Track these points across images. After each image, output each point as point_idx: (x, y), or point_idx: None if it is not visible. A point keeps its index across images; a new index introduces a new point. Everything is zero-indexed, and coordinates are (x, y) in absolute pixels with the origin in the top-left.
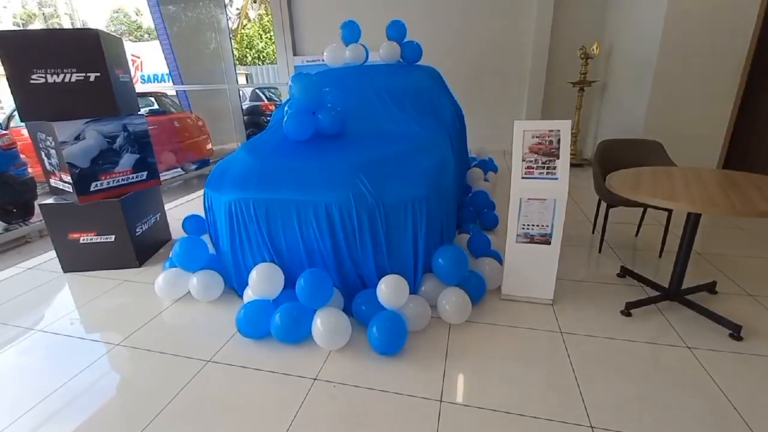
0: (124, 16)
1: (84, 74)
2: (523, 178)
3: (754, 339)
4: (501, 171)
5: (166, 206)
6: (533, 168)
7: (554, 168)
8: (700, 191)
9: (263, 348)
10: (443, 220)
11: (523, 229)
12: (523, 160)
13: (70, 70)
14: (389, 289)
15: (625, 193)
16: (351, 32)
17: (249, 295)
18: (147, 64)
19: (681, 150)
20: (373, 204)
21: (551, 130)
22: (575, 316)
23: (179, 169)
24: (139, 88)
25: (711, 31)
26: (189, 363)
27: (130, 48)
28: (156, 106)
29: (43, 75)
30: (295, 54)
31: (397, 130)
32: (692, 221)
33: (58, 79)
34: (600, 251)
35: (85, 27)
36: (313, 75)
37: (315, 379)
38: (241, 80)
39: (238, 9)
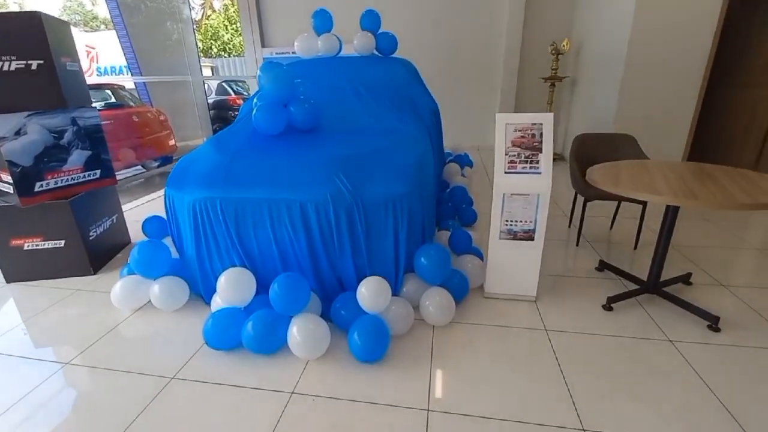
0: (78, 5)
1: (24, 62)
2: (506, 173)
3: (731, 329)
4: (476, 166)
5: (125, 207)
6: (516, 162)
7: (537, 162)
8: (679, 184)
9: (234, 360)
10: (424, 218)
11: (506, 225)
12: (506, 154)
13: (9, 58)
14: (370, 293)
15: (607, 187)
16: (323, 22)
17: (217, 302)
18: (103, 56)
19: (649, 144)
20: (351, 202)
21: (534, 124)
22: (559, 313)
23: (140, 167)
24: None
25: (677, 27)
26: (150, 381)
27: (84, 39)
28: (113, 100)
29: None
30: (263, 46)
31: (374, 125)
32: (671, 214)
33: None
34: (578, 245)
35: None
36: (284, 65)
37: (292, 392)
38: (207, 73)
39: None
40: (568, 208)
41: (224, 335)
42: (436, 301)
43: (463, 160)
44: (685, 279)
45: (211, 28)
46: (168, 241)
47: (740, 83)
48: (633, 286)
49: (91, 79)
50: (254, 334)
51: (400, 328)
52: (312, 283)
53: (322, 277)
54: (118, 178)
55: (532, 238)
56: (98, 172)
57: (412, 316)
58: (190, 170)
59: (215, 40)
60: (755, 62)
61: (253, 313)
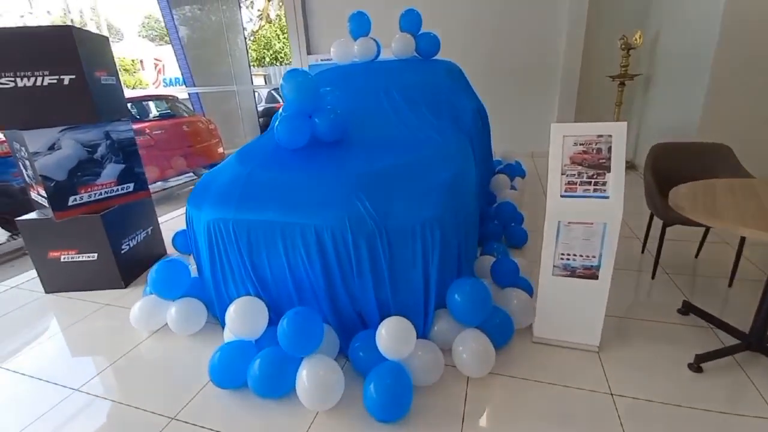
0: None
1: (57, 77)
2: (562, 196)
3: None
4: (529, 176)
5: (172, 214)
6: (576, 184)
7: (604, 184)
8: None
9: (239, 402)
10: (461, 245)
11: (562, 259)
12: (563, 174)
13: (42, 73)
14: (391, 337)
15: (699, 217)
16: (360, 25)
17: (228, 334)
18: (169, 68)
19: (743, 157)
20: (373, 228)
21: (600, 136)
22: (629, 371)
23: (191, 174)
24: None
25: None
26: (151, 419)
27: (153, 52)
28: (167, 110)
29: (12, 78)
30: (309, 53)
31: (408, 135)
32: None
33: (29, 83)
34: (653, 277)
35: (62, 24)
36: (309, 72)
37: None
38: (259, 81)
39: (259, 10)
40: (640, 228)
41: (231, 372)
42: (471, 348)
43: (514, 170)
44: None
45: (264, 38)
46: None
47: None
48: (729, 339)
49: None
50: (260, 375)
51: (427, 377)
52: (329, 316)
53: (340, 311)
54: (171, 185)
55: (595, 277)
56: (131, 185)
57: (441, 365)
58: (210, 187)
59: (268, 50)
60: None
61: (264, 348)
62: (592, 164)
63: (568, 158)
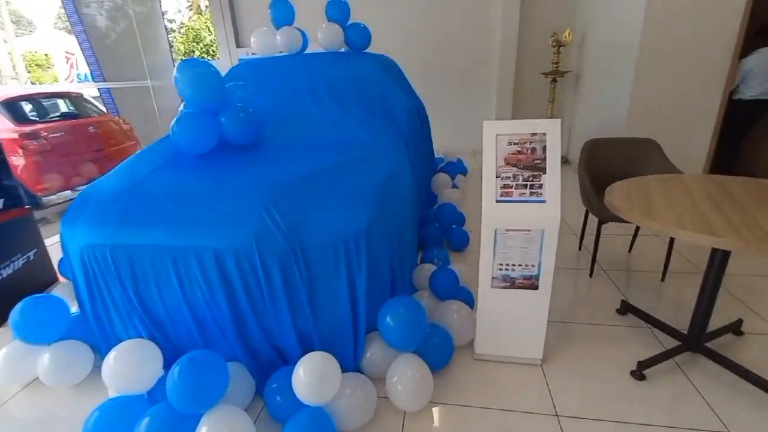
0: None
1: None
2: (498, 201)
3: None
4: (472, 173)
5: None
6: (511, 187)
7: (540, 186)
8: (742, 217)
9: None
10: (395, 257)
11: (501, 269)
12: (498, 176)
13: None
14: (311, 378)
15: (638, 219)
16: (282, 13)
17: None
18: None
19: (668, 146)
20: (286, 248)
21: (534, 134)
22: (574, 384)
23: None
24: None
25: (700, 11)
26: None
27: (66, 44)
28: (69, 109)
29: None
30: (238, 45)
31: (334, 136)
32: (720, 256)
33: None
34: (591, 275)
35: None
36: (210, 63)
37: None
38: None
39: (189, 0)
40: (576, 224)
41: None
42: (406, 378)
43: (456, 168)
44: (736, 327)
45: (192, 30)
46: None
47: None
48: (668, 339)
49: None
50: None
51: (357, 419)
52: (240, 354)
53: (253, 347)
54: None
55: (535, 287)
56: (0, 202)
57: (373, 403)
58: (88, 202)
59: (197, 43)
60: None
61: (158, 402)
62: (527, 165)
63: (502, 159)
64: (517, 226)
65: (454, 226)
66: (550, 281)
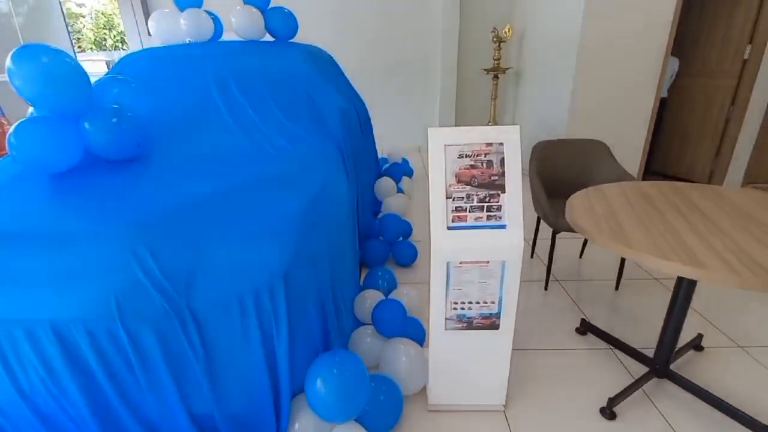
0: None
1: None
2: (450, 228)
3: None
4: (417, 173)
5: None
6: (465, 210)
7: (499, 209)
8: (723, 241)
9: None
10: (327, 295)
11: (455, 309)
12: (449, 197)
13: None
14: None
15: (614, 247)
16: None
17: None
18: None
19: (608, 141)
20: (166, 309)
21: (489, 144)
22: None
23: None
24: None
25: (635, 8)
26: None
27: None
28: None
29: None
30: (150, 33)
31: (247, 145)
32: (686, 284)
33: None
34: (546, 288)
35: None
36: (60, 50)
37: None
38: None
39: None
40: (527, 230)
41: None
42: None
43: (401, 170)
44: (696, 343)
45: (103, 16)
46: None
47: (697, 72)
48: (629, 361)
49: None
50: None
51: None
52: None
53: None
54: None
55: (496, 326)
56: None
57: None
58: None
59: (109, 30)
60: (709, 51)
61: None
62: (483, 183)
63: (453, 176)
64: (474, 257)
65: (400, 238)
66: (512, 319)
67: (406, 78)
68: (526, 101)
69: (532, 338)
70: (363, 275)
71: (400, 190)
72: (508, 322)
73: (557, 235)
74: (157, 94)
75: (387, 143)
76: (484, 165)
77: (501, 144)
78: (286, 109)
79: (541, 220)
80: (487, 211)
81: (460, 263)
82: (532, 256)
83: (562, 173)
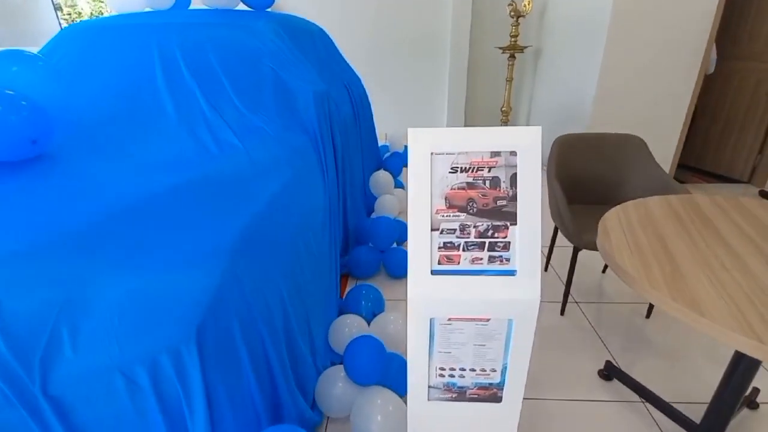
0: None
1: None
2: (435, 272)
3: None
4: None
5: None
6: (457, 248)
7: (506, 246)
8: None
9: None
10: (278, 345)
11: (442, 375)
12: (435, 229)
13: None
14: None
15: (675, 311)
16: None
17: None
18: None
19: (640, 132)
20: (8, 397)
21: (497, 154)
22: None
23: None
24: None
25: None
26: None
27: None
28: None
29: None
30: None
31: (186, 144)
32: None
33: None
34: (563, 313)
35: None
36: None
37: None
38: None
39: None
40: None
41: None
42: None
43: (401, 160)
44: (751, 399)
45: None
46: None
47: (742, 54)
48: (667, 422)
49: None
50: None
51: None
52: None
53: None
54: None
55: (497, 399)
56: None
57: None
58: None
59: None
60: (759, 28)
61: None
62: (484, 210)
63: (442, 198)
64: (468, 313)
65: (394, 244)
66: (520, 390)
67: (412, 57)
68: (545, 85)
69: (544, 382)
70: (347, 289)
71: (399, 185)
72: (514, 393)
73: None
74: (85, 75)
75: (389, 129)
76: (488, 184)
77: (513, 153)
78: (246, 95)
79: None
80: (489, 250)
81: (449, 320)
82: (546, 269)
83: (588, 175)
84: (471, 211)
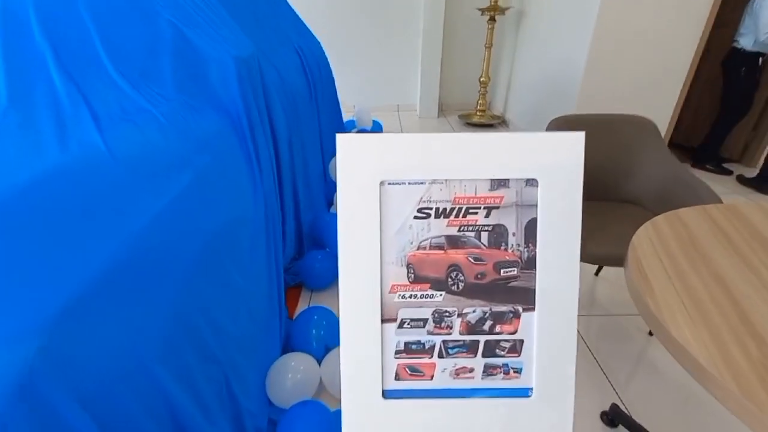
0: None
1: None
2: (388, 396)
3: None
4: None
5: None
6: (428, 353)
7: (514, 348)
8: None
9: None
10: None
11: None
12: (390, 321)
13: None
14: None
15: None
16: None
17: None
18: None
19: (632, 105)
20: None
21: (501, 183)
22: None
23: None
24: None
25: None
26: None
27: None
28: None
29: None
30: None
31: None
32: None
33: None
34: None
35: None
36: None
37: None
38: None
39: None
40: None
41: None
42: None
43: None
44: None
45: None
46: None
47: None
48: None
49: None
50: None
51: None
52: None
53: None
54: None
55: None
56: None
57: None
58: None
59: None
60: None
61: None
62: (477, 286)
63: (400, 264)
64: None
65: None
66: None
67: (381, 19)
68: (528, 51)
69: None
70: (299, 305)
71: None
72: None
73: None
74: None
75: (356, 101)
76: (485, 239)
77: (532, 183)
78: (128, 62)
79: None
80: (486, 356)
81: None
82: None
83: (588, 165)
84: (454, 287)
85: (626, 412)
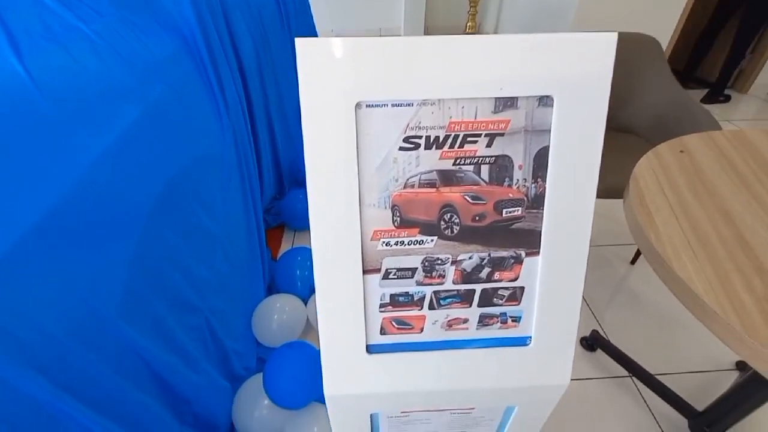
0: None
1: None
2: (373, 351)
3: None
4: None
5: None
6: (416, 305)
7: (514, 296)
8: None
9: None
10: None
11: None
12: (373, 272)
13: None
14: None
15: None
16: None
17: None
18: None
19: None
20: None
21: (505, 104)
22: None
23: None
24: None
25: None
26: None
27: None
28: None
29: None
30: None
31: None
32: None
33: None
34: None
35: None
36: None
37: None
38: None
39: None
40: None
41: None
42: None
43: None
44: None
45: None
46: None
47: None
48: (661, 405)
49: None
50: None
51: None
52: None
53: None
54: None
55: None
56: None
57: None
58: None
59: None
60: None
61: None
62: (475, 229)
63: (385, 206)
64: (439, 405)
65: None
66: None
67: None
68: None
69: None
70: (282, 246)
71: None
72: None
73: None
74: None
75: (334, 25)
76: (485, 173)
77: (546, 102)
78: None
79: None
80: (482, 305)
81: (404, 413)
82: None
83: None
84: (448, 231)
85: (605, 337)
